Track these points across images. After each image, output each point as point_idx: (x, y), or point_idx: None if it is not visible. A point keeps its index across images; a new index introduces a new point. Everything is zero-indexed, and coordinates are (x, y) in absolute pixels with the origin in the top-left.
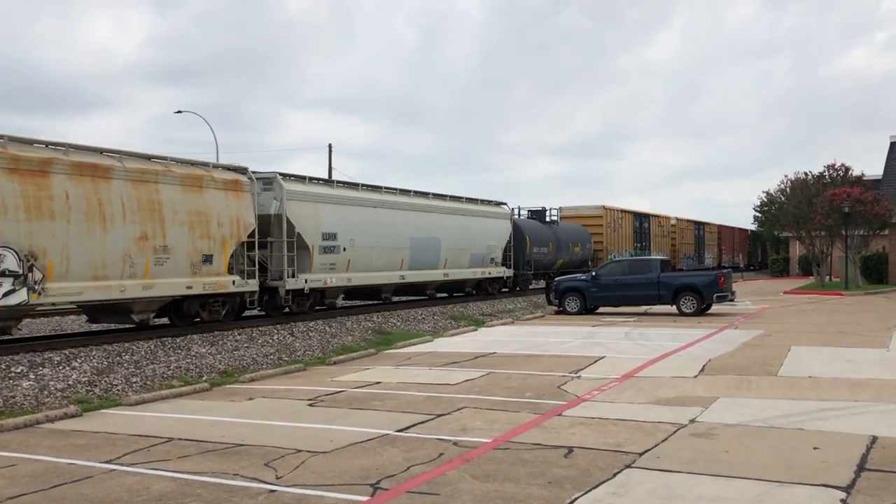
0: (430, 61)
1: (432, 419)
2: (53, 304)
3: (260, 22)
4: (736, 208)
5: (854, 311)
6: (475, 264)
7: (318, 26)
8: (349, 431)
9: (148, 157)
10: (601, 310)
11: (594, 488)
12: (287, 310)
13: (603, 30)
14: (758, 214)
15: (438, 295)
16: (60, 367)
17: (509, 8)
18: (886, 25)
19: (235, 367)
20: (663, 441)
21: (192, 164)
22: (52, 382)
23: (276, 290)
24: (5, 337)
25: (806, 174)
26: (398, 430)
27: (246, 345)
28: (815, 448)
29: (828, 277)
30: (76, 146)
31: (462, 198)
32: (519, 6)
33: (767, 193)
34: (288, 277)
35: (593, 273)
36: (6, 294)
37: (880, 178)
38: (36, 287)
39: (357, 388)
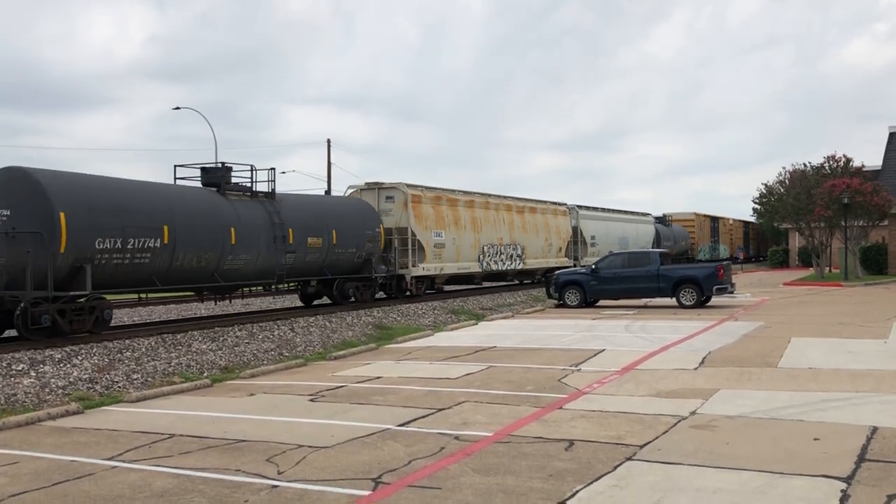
0: (431, 58)
1: (433, 413)
2: (527, 269)
3: (261, 21)
4: (736, 201)
5: (854, 302)
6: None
7: (319, 25)
8: (350, 426)
9: (540, 201)
10: (601, 303)
11: (595, 481)
12: None
13: (604, 25)
14: (757, 206)
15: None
16: (61, 365)
17: (510, 4)
18: (887, 17)
19: (236, 363)
20: (664, 433)
21: (551, 202)
22: (53, 380)
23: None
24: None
25: (805, 165)
26: (399, 425)
27: (246, 341)
28: (815, 439)
29: (827, 269)
30: (528, 199)
31: (634, 212)
32: (520, 2)
33: (766, 185)
34: (581, 259)
35: (593, 266)
36: (520, 265)
37: (880, 168)
38: (524, 261)
39: (358, 382)
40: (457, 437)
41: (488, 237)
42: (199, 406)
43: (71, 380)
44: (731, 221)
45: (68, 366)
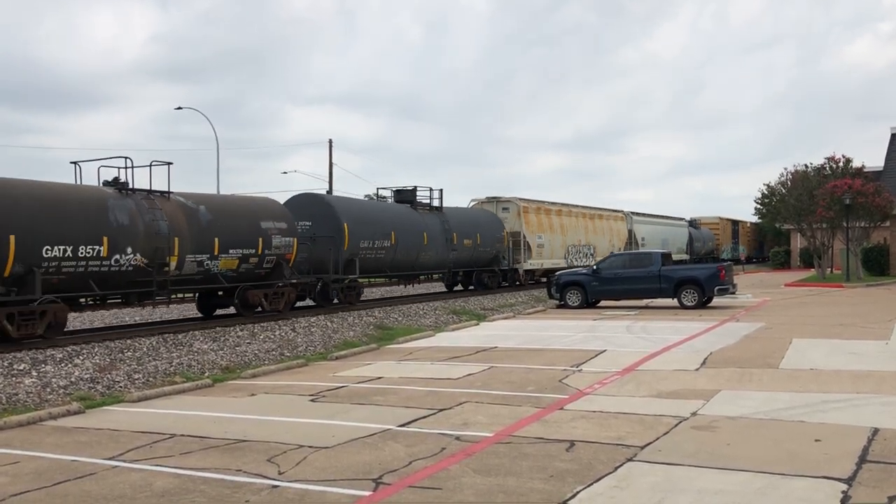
0: (433, 56)
1: (434, 414)
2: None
3: (264, 19)
4: (738, 201)
5: (855, 303)
6: (678, 251)
7: (322, 23)
8: (351, 426)
9: (605, 209)
10: (602, 303)
11: (596, 482)
12: None
13: (606, 24)
14: (759, 207)
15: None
16: (63, 365)
17: (513, 2)
18: (889, 17)
19: (237, 363)
20: (665, 434)
21: (611, 210)
22: (54, 379)
23: None
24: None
25: (806, 166)
26: (400, 425)
27: (248, 341)
28: (816, 440)
29: (829, 270)
30: (596, 208)
31: (672, 217)
32: (522, 0)
33: (768, 186)
34: None
35: (594, 267)
36: (592, 262)
37: (881, 169)
38: (594, 260)
39: (359, 383)
40: (458, 438)
41: (571, 239)
42: (201, 406)
43: (72, 379)
44: (748, 224)
45: (70, 365)
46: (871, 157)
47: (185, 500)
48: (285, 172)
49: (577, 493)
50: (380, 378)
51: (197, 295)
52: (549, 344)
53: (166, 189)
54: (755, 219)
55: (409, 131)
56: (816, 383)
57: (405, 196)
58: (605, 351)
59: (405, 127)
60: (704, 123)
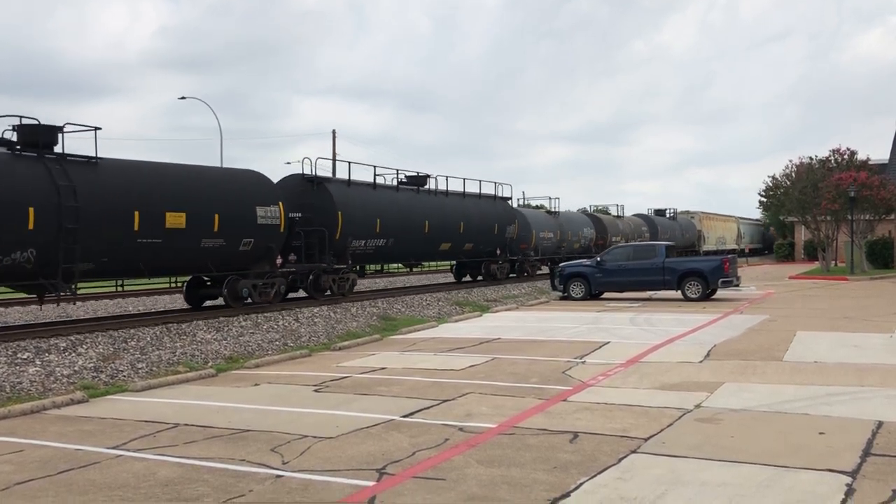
0: (442, 49)
1: (437, 404)
2: (726, 250)
3: (274, 11)
4: (743, 194)
5: (859, 296)
6: (757, 242)
7: (332, 15)
8: (354, 417)
9: (725, 215)
10: (606, 295)
11: (600, 473)
12: None
13: (616, 17)
14: (763, 199)
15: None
16: (66, 354)
17: None
18: None
19: (241, 352)
20: (668, 426)
21: (729, 215)
22: (58, 368)
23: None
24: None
25: (811, 159)
26: (403, 416)
27: (251, 331)
28: (820, 433)
29: (833, 262)
30: (722, 214)
31: (755, 219)
32: None
33: (773, 178)
34: (739, 246)
35: (598, 258)
36: (730, 246)
37: (886, 162)
38: (725, 245)
39: (362, 373)
40: (461, 429)
41: (717, 234)
42: (204, 396)
43: (76, 368)
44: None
45: (73, 355)
46: (877, 151)
47: (188, 490)
48: (289, 163)
49: (581, 484)
50: (383, 368)
51: (185, 285)
52: (553, 335)
53: None
54: (748, 209)
55: (415, 124)
56: (820, 376)
57: (660, 212)
58: (608, 343)
59: (412, 119)
60: (712, 116)
